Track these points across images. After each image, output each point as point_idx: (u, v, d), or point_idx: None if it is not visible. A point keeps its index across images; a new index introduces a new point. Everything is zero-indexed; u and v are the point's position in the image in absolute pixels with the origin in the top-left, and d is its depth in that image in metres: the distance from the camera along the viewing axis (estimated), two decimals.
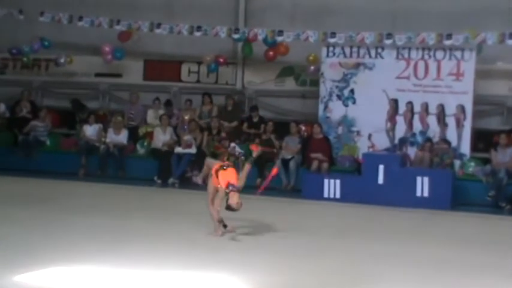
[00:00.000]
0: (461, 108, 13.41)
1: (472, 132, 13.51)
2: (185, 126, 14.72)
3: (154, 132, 14.65)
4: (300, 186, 13.24)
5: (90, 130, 15.03)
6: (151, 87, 16.40)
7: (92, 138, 14.93)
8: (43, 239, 7.92)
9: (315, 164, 13.37)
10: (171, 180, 13.87)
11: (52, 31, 15.97)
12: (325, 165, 13.33)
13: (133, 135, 15.10)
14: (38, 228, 8.54)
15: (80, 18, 15.12)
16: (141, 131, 15.24)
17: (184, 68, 16.43)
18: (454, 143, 13.41)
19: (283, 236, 8.69)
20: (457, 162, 13.29)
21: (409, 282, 6.83)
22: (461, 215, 11.51)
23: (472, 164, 13.22)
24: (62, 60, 16.07)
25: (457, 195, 12.39)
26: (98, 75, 16.86)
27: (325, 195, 12.54)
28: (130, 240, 8.09)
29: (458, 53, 13.37)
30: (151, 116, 15.46)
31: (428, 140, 13.36)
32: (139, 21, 14.88)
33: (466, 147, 13.46)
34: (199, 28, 14.54)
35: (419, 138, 13.68)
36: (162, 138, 14.49)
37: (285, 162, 13.65)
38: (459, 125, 13.46)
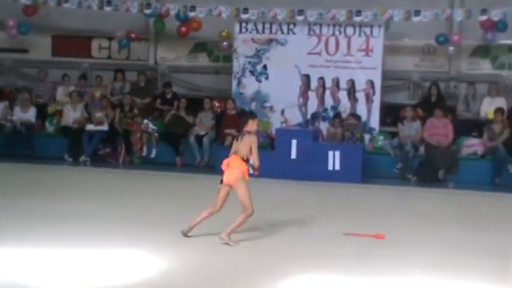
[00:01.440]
0: (371, 84, 13.78)
1: (381, 107, 13.94)
2: (96, 103, 14.40)
3: (64, 110, 14.26)
4: (214, 163, 13.24)
5: None
6: (60, 63, 15.92)
7: None
8: None
9: (228, 140, 13.40)
10: (82, 158, 13.57)
11: None
12: None
13: (42, 113, 14.64)
14: None
15: None
16: (51, 108, 14.79)
17: (95, 44, 16.06)
18: (364, 118, 13.78)
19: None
20: (367, 136, 13.68)
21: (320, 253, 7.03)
22: (371, 187, 11.89)
23: (381, 137, 13.64)
24: None
25: (367, 168, 12.75)
26: (2, 50, 16.18)
27: None
28: (41, 221, 7.88)
29: (367, 30, 13.70)
30: (61, 93, 15.01)
31: (337, 115, 13.64)
32: None
33: (375, 122, 13.86)
34: (109, 3, 14.19)
35: (331, 113, 13.96)
36: (72, 115, 14.12)
37: (199, 139, 13.64)
38: (369, 99, 13.83)
